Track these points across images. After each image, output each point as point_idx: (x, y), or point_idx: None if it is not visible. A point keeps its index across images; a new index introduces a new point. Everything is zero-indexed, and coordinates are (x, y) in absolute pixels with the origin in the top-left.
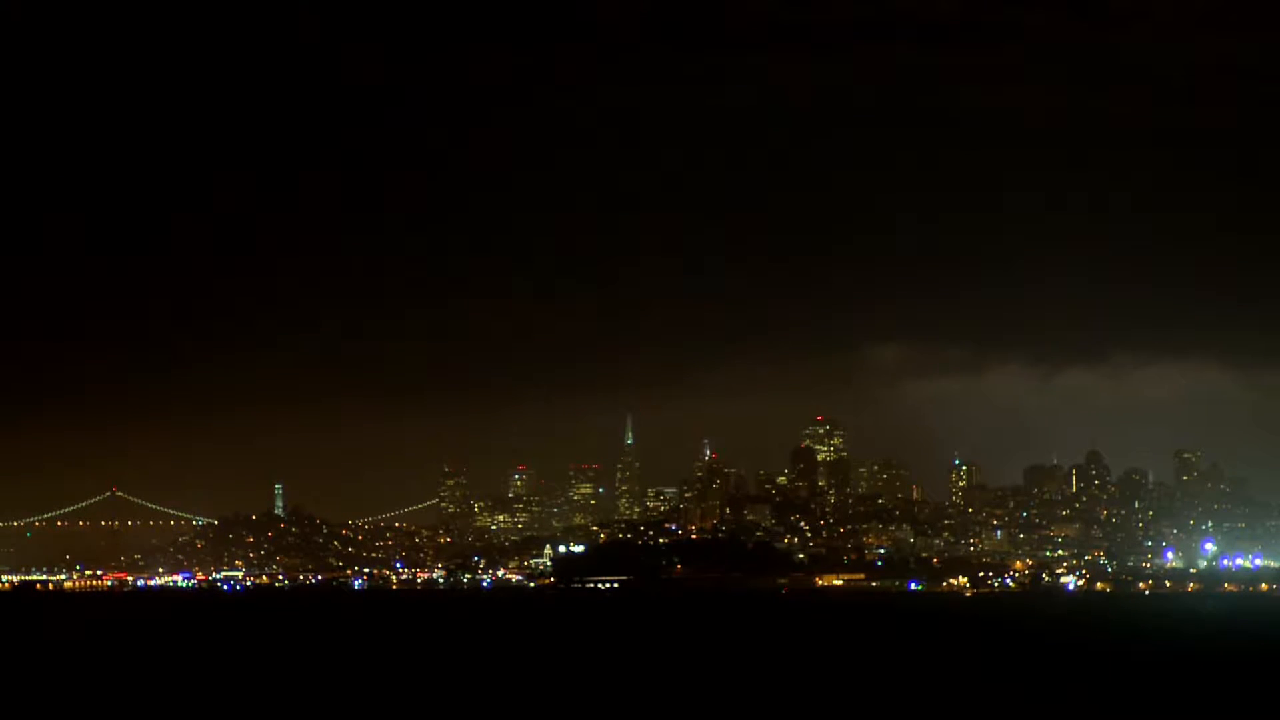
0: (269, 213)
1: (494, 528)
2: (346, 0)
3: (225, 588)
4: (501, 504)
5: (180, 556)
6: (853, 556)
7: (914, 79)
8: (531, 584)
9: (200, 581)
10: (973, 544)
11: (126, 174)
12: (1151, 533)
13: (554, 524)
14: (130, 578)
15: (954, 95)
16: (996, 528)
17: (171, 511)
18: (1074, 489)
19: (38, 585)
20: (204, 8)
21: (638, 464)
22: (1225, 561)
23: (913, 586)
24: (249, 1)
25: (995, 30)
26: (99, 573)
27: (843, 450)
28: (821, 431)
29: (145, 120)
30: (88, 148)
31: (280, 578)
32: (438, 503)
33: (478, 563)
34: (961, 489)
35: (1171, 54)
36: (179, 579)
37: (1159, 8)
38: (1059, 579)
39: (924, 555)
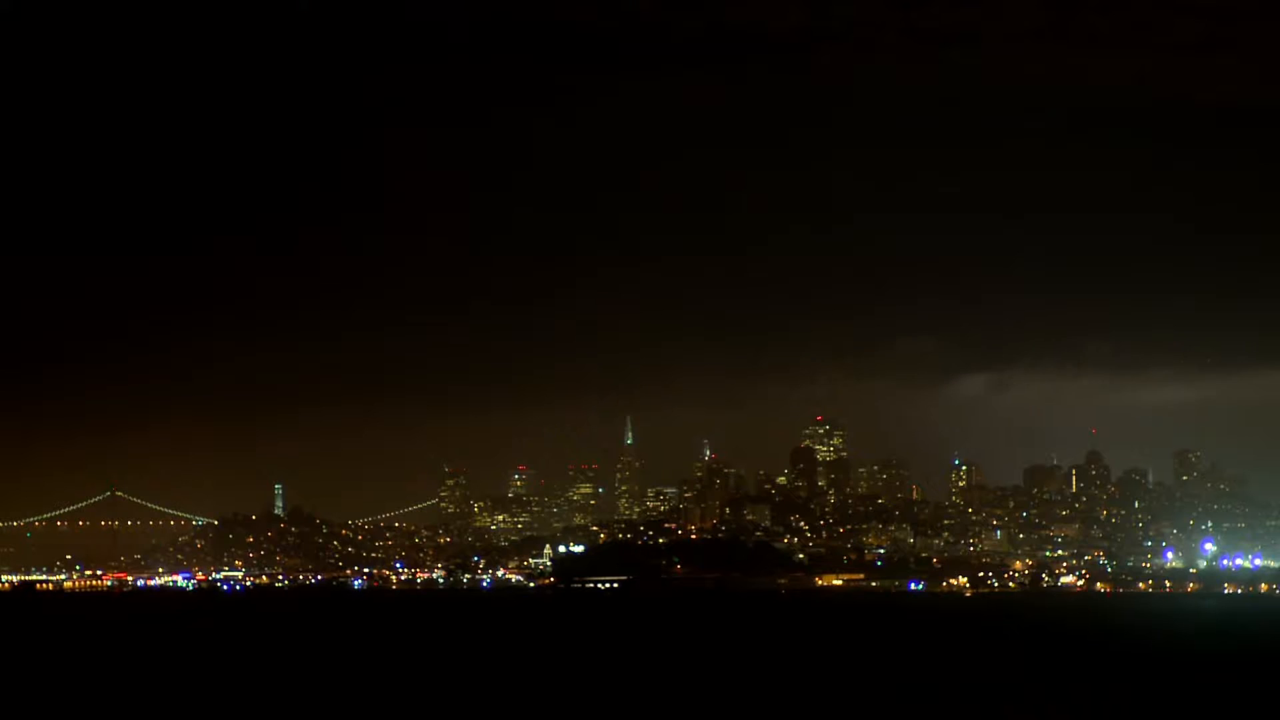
0: (269, 215)
1: (494, 528)
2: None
3: (225, 588)
4: (501, 504)
5: (180, 556)
6: (852, 556)
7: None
8: (531, 584)
9: (200, 581)
10: (973, 544)
11: (127, 176)
12: (1151, 533)
13: (554, 524)
14: (130, 578)
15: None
16: (996, 528)
17: (171, 511)
18: (1074, 489)
19: (38, 585)
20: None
21: (638, 464)
22: (1225, 561)
23: (913, 586)
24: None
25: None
26: (99, 573)
27: (842, 450)
28: (821, 431)
29: (147, 122)
30: (88, 150)
31: (280, 578)
32: (438, 503)
33: (478, 563)
34: (961, 489)
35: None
36: (179, 579)
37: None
38: (1059, 579)
39: (924, 555)
